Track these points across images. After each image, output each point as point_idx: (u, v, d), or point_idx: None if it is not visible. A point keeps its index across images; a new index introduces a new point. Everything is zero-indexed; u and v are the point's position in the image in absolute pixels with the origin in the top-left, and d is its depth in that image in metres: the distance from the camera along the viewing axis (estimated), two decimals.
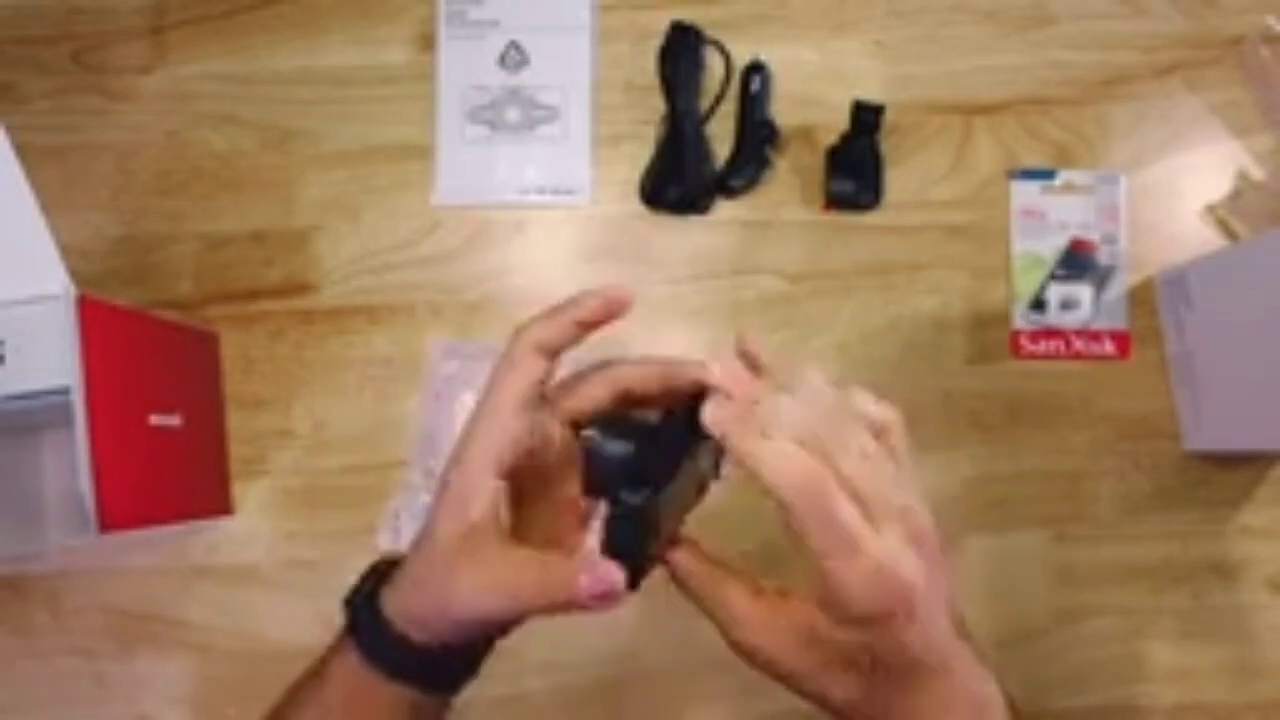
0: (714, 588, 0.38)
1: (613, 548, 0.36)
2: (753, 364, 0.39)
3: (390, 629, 0.39)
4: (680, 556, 0.39)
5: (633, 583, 0.36)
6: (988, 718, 0.37)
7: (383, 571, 0.41)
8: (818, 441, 0.34)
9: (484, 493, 0.38)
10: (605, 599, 0.36)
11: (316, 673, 0.41)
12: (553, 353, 0.39)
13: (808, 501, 0.34)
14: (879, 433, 0.36)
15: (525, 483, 0.40)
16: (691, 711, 0.64)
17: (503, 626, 0.40)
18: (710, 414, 0.35)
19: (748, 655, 0.37)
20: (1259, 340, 0.57)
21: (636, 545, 0.36)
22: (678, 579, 0.39)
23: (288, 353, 0.68)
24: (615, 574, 0.35)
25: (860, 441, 0.35)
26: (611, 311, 0.39)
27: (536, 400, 0.39)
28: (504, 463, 0.38)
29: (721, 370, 0.37)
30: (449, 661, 0.41)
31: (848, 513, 0.34)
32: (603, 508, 0.37)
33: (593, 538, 0.40)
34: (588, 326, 0.39)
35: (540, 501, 0.41)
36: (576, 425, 0.40)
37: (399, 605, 0.39)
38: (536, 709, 0.64)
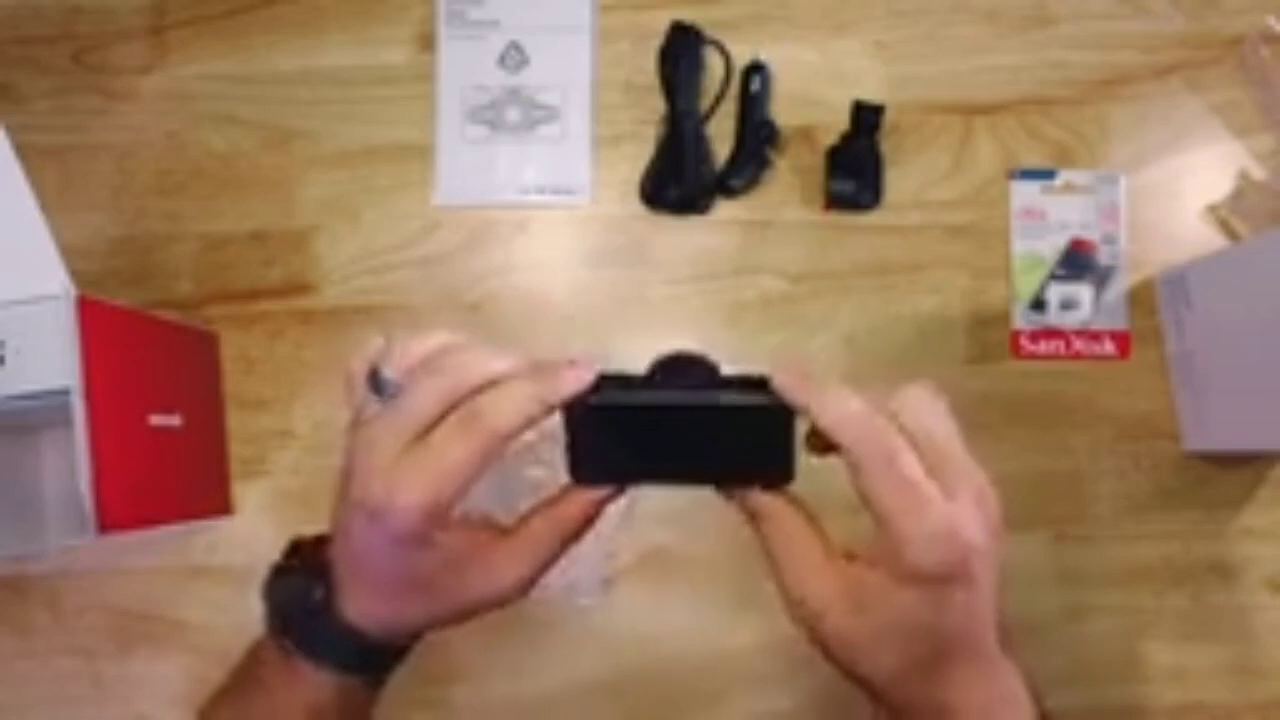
0: (784, 527, 0.38)
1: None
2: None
3: (359, 638, 0.40)
4: (763, 494, 0.39)
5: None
6: (1011, 709, 0.37)
7: (307, 585, 0.41)
8: (896, 397, 0.36)
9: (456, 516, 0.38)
10: (603, 501, 0.39)
11: (258, 704, 0.41)
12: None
13: (872, 449, 0.34)
14: None
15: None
16: (699, 709, 0.64)
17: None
18: (776, 378, 0.36)
19: (796, 604, 0.37)
20: (1259, 340, 0.57)
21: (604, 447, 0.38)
22: (752, 513, 0.39)
23: (288, 353, 0.68)
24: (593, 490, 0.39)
25: (940, 406, 0.37)
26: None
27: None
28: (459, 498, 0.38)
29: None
30: (398, 651, 0.42)
31: (912, 465, 0.34)
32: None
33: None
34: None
35: None
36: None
37: (367, 617, 0.39)
38: (539, 708, 0.64)
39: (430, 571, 0.38)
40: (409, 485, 0.36)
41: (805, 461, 0.38)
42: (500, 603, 0.40)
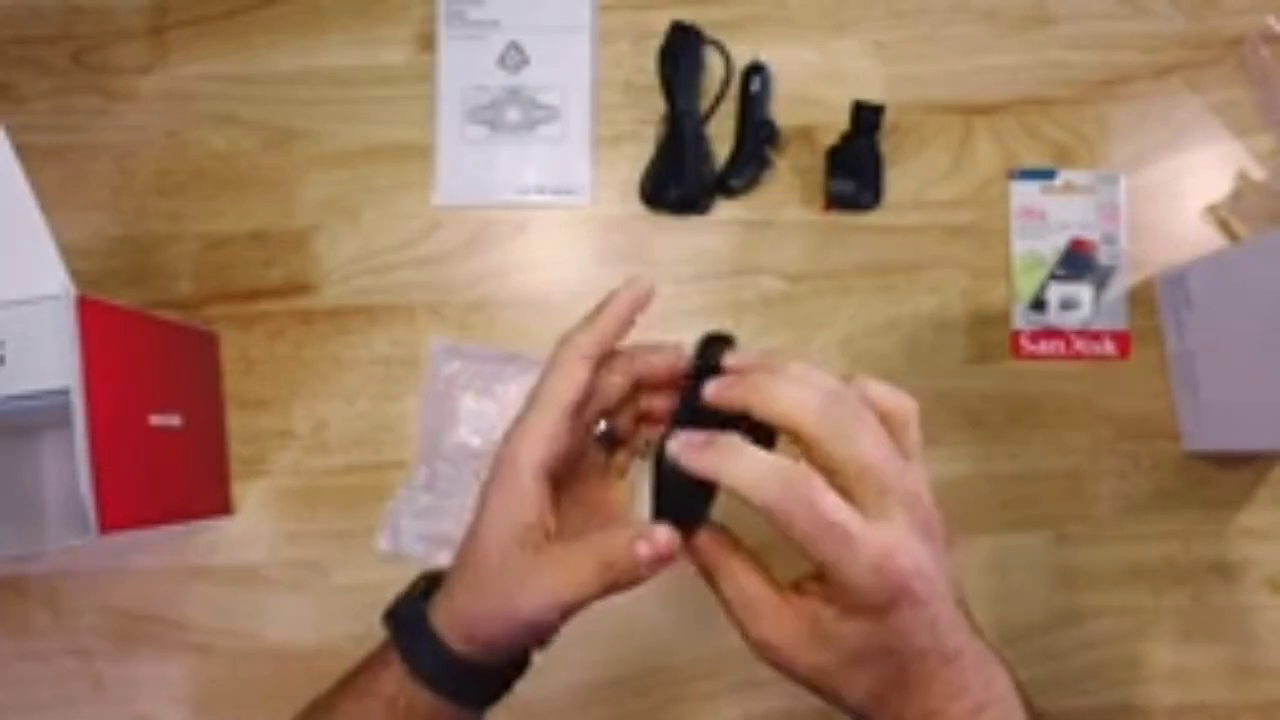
0: (735, 578, 0.38)
1: (665, 506, 0.38)
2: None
3: (437, 641, 0.40)
4: (706, 543, 0.39)
5: (686, 537, 0.38)
6: (998, 708, 0.37)
7: (425, 588, 0.42)
8: (816, 416, 0.34)
9: (534, 498, 0.39)
10: (663, 562, 0.37)
11: (353, 685, 0.42)
12: (597, 359, 0.40)
13: (789, 501, 0.34)
14: (890, 423, 0.36)
15: (557, 486, 0.40)
16: (694, 710, 0.64)
17: (555, 627, 0.40)
18: (682, 459, 0.36)
19: (763, 650, 0.37)
20: (1259, 340, 0.57)
21: (686, 500, 0.38)
22: (702, 567, 0.39)
23: (288, 353, 0.68)
24: (668, 534, 0.37)
25: (865, 422, 0.35)
26: (638, 303, 0.41)
27: (580, 406, 0.40)
28: (549, 468, 0.39)
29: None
30: (488, 675, 0.42)
31: (831, 503, 0.34)
32: (648, 478, 0.38)
33: (643, 509, 0.40)
34: (624, 323, 0.41)
35: (570, 504, 0.42)
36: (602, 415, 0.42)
37: (449, 616, 0.40)
38: (538, 708, 0.64)
39: (502, 559, 0.39)
40: (526, 433, 0.39)
41: None
42: (537, 616, 0.39)
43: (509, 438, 0.40)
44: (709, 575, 0.39)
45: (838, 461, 0.34)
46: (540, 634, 0.40)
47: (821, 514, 0.33)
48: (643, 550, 0.37)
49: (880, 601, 0.34)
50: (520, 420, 0.40)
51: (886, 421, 0.36)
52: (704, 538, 0.39)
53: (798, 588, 0.37)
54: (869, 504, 0.34)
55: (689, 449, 0.36)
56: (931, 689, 0.36)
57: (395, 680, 0.41)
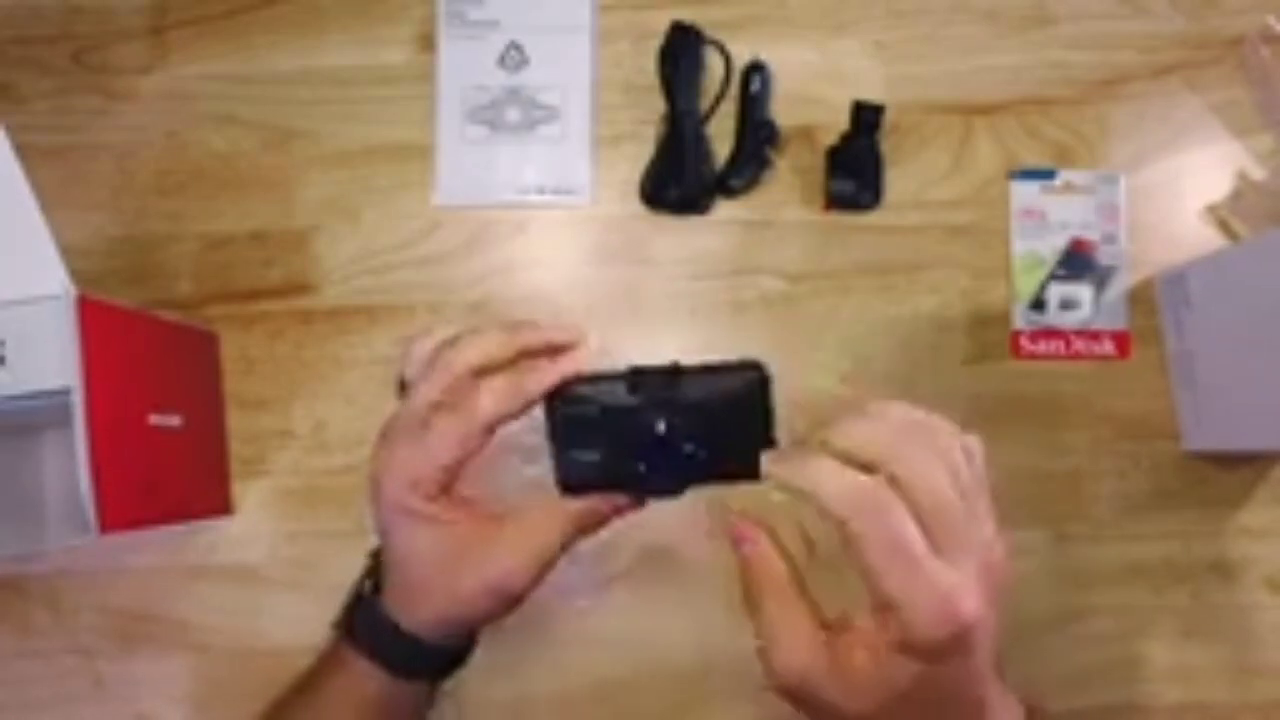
0: (781, 598, 0.37)
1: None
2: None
3: (381, 618, 0.42)
4: (757, 554, 0.38)
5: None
6: None
7: (368, 593, 0.44)
8: (895, 453, 0.34)
9: (448, 509, 0.41)
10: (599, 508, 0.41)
11: (313, 688, 0.44)
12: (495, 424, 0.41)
13: (865, 516, 0.33)
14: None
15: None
16: (707, 713, 0.64)
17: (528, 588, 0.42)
18: (767, 469, 0.37)
19: (789, 678, 0.36)
20: (1259, 340, 0.57)
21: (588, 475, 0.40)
22: (748, 580, 0.39)
23: (288, 353, 0.68)
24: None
25: (953, 459, 0.35)
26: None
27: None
28: (451, 481, 0.41)
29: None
30: (452, 653, 0.44)
31: (914, 540, 0.33)
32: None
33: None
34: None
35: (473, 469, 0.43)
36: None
37: (394, 599, 0.42)
38: (540, 710, 0.64)
39: (432, 549, 0.40)
40: (392, 465, 0.40)
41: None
42: (501, 594, 0.40)
43: (384, 474, 0.40)
44: (750, 591, 0.38)
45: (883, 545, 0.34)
46: (514, 596, 0.41)
47: (896, 540, 0.33)
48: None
49: (936, 644, 0.33)
50: (397, 459, 0.40)
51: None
52: (761, 550, 0.38)
53: (842, 624, 0.36)
54: (939, 548, 0.34)
55: (776, 462, 0.36)
56: None
57: (357, 677, 0.42)
